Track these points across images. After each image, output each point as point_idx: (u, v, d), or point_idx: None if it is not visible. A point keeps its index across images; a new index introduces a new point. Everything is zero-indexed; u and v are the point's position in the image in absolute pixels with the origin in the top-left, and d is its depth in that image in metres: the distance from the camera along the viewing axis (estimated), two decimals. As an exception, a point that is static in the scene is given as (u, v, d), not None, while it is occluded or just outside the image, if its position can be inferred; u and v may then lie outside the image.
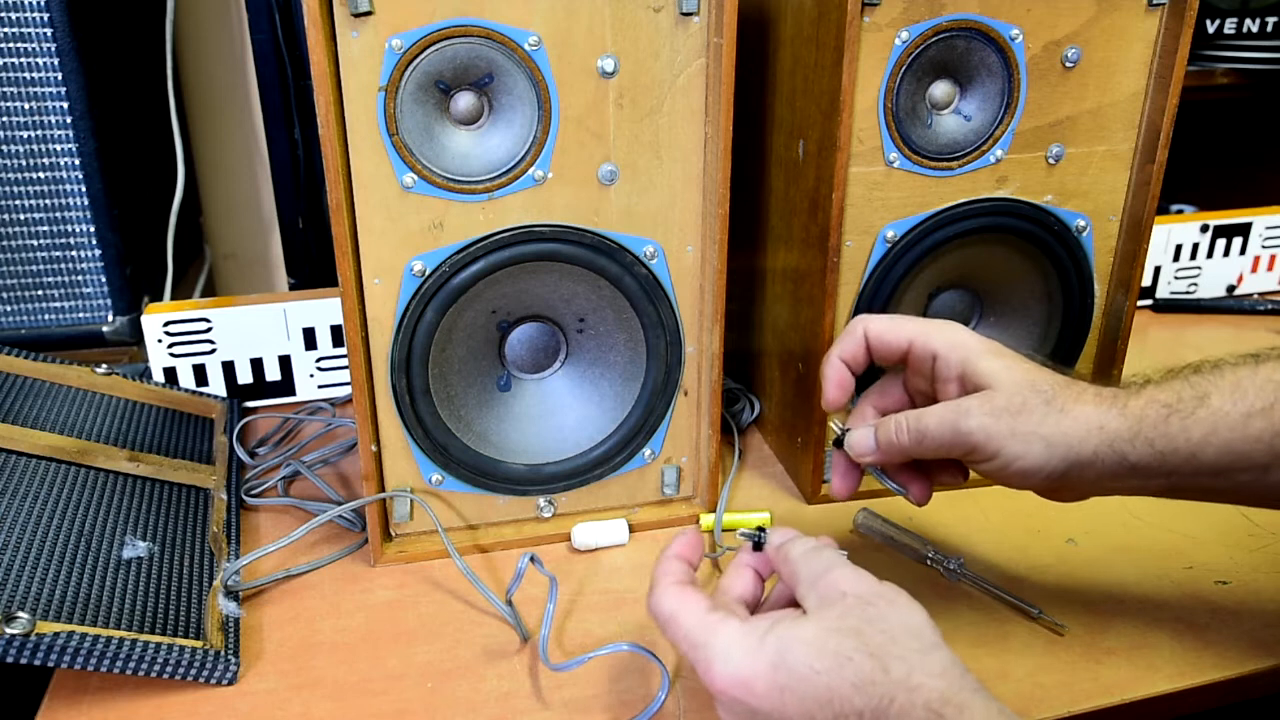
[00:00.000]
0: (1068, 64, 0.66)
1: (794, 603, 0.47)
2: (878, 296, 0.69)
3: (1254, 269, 1.15)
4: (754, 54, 0.74)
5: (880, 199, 0.67)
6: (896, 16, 0.62)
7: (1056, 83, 0.67)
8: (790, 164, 0.71)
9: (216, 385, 0.87)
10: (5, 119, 0.81)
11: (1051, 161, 0.69)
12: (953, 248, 0.70)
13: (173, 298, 0.98)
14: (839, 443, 0.58)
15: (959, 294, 0.74)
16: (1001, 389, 0.52)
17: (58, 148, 0.82)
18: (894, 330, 0.57)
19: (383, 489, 0.66)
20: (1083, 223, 0.71)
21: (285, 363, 0.88)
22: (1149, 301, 1.13)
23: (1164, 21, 0.67)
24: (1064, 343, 0.74)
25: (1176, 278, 1.13)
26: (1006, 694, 0.55)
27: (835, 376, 0.58)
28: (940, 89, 0.67)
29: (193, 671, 0.55)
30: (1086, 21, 0.66)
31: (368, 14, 0.55)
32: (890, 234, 0.68)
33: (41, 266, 0.86)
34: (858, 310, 0.69)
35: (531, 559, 0.60)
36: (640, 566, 0.66)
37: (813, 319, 0.70)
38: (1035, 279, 0.73)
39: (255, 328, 0.86)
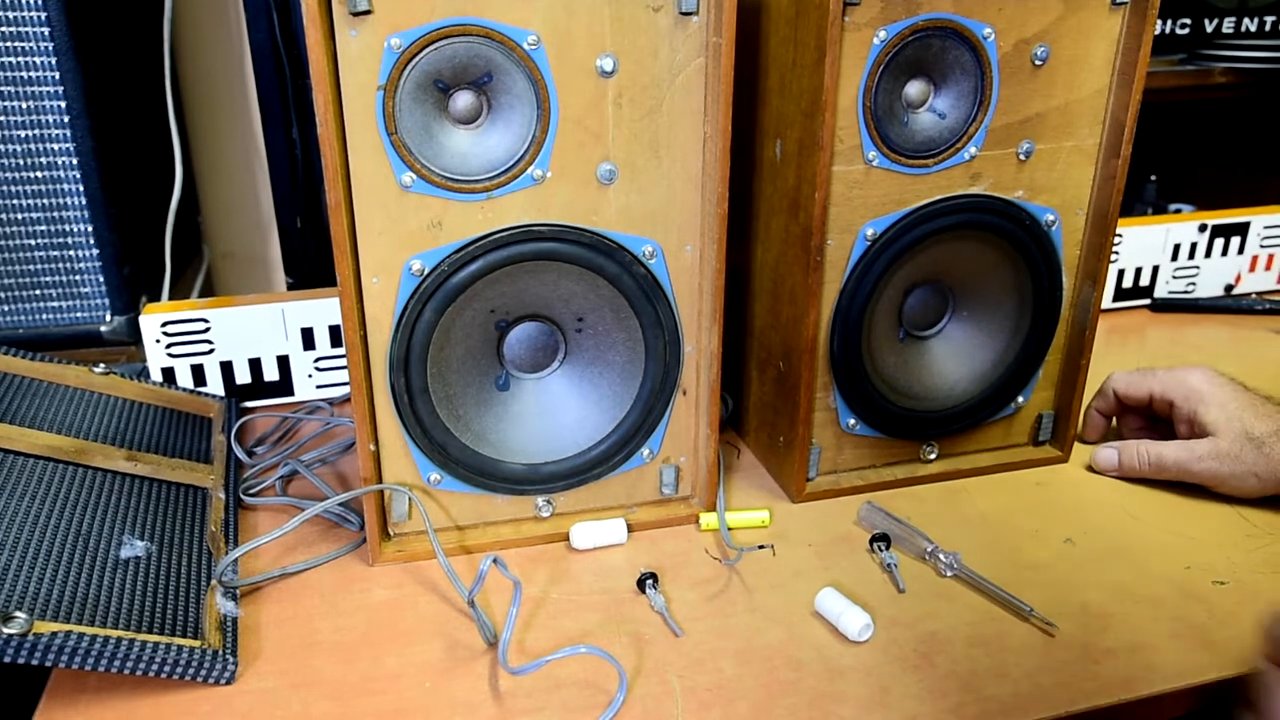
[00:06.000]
0: (1037, 62, 0.67)
1: None
2: (858, 294, 0.69)
3: (1252, 268, 1.15)
4: (739, 54, 0.74)
5: (860, 197, 0.67)
6: (874, 16, 0.63)
7: (1026, 80, 0.68)
8: (769, 164, 0.72)
9: (215, 385, 0.87)
10: (3, 118, 0.81)
11: (1022, 157, 0.70)
12: (929, 244, 0.70)
13: (171, 297, 0.98)
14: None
15: (933, 289, 0.75)
16: (1223, 436, 0.71)
17: (55, 147, 0.82)
18: (1137, 385, 0.78)
19: (381, 488, 0.66)
20: (1052, 217, 0.72)
21: (283, 363, 0.88)
22: (1147, 301, 1.13)
23: (1126, 20, 0.68)
24: (1034, 334, 0.75)
25: (1174, 277, 1.13)
26: (1004, 693, 0.55)
27: (1095, 423, 0.82)
28: (915, 88, 0.67)
29: (191, 671, 0.55)
30: (1054, 20, 0.67)
31: (366, 13, 0.55)
32: (870, 232, 0.68)
33: (39, 266, 0.86)
34: (839, 309, 0.70)
35: (494, 561, 0.60)
36: (639, 566, 0.66)
37: (795, 318, 0.70)
38: (1007, 273, 0.74)
39: (253, 328, 0.86)
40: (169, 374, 0.85)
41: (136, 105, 0.95)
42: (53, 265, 0.86)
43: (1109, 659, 0.58)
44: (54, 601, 0.54)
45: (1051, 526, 0.71)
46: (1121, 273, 1.11)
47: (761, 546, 0.68)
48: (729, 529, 0.70)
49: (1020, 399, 0.78)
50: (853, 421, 0.74)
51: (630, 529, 0.70)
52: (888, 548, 0.67)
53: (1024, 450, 0.80)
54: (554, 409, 0.69)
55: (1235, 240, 1.13)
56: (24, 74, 0.80)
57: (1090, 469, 0.78)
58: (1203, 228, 1.12)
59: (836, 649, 0.59)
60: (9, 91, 0.80)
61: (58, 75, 0.80)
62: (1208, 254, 1.13)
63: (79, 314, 0.88)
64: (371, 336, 0.62)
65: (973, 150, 0.68)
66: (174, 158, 0.99)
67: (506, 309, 0.66)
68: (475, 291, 0.63)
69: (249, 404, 0.88)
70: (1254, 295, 1.16)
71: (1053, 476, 0.78)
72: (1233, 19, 1.28)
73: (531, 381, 0.69)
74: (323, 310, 0.87)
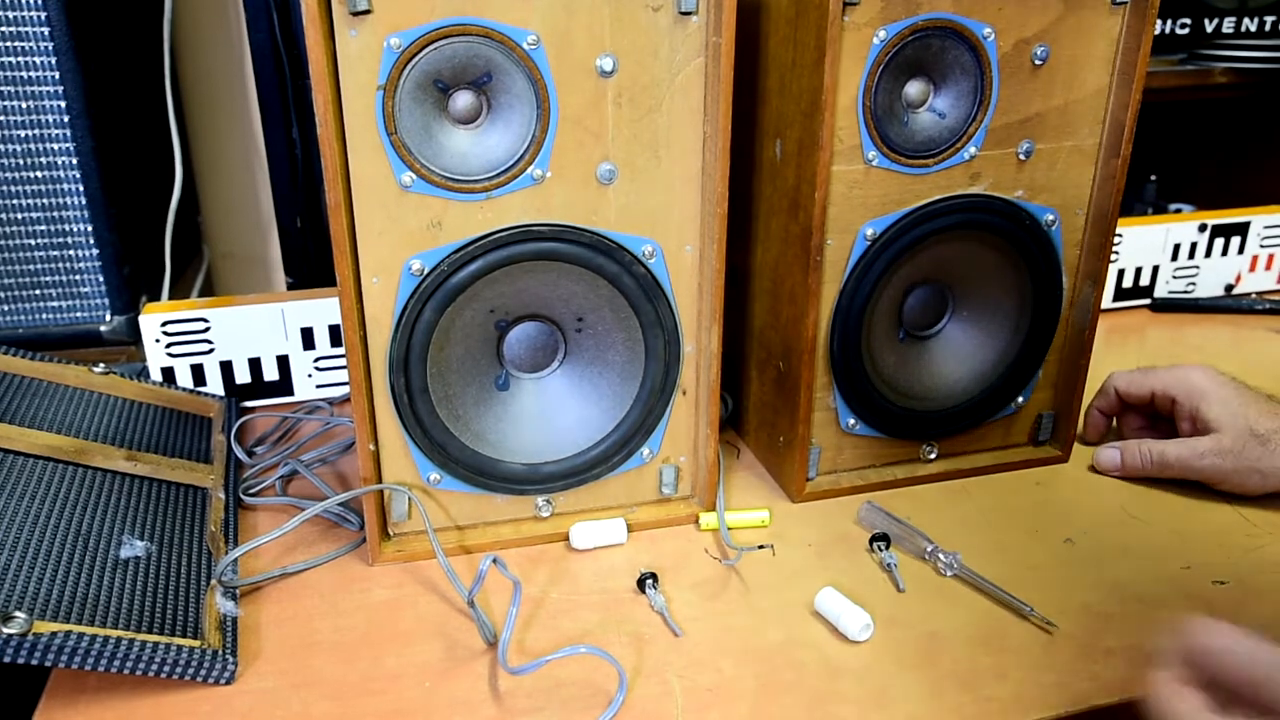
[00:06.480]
0: (1036, 61, 0.67)
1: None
2: (858, 294, 0.69)
3: (1252, 268, 1.15)
4: (739, 54, 0.74)
5: (860, 197, 0.67)
6: (874, 16, 0.63)
7: (1026, 80, 0.68)
8: (768, 164, 0.72)
9: (214, 385, 0.87)
10: (3, 118, 0.81)
11: (1022, 157, 0.70)
12: (929, 244, 0.70)
13: (171, 297, 0.98)
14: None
15: (933, 289, 0.75)
16: (1226, 432, 0.71)
17: (55, 147, 0.82)
18: (1139, 384, 0.78)
19: (381, 488, 0.66)
20: (1052, 217, 0.73)
21: (283, 363, 0.88)
22: (1147, 301, 1.13)
23: (1126, 20, 0.68)
24: (1034, 334, 0.75)
25: (1175, 277, 1.13)
26: (1004, 693, 0.55)
27: (1096, 422, 0.81)
28: (915, 87, 0.67)
29: (190, 671, 0.55)
30: (1054, 20, 0.67)
31: (366, 13, 0.55)
32: (870, 232, 0.68)
33: (39, 266, 0.86)
34: (839, 309, 0.70)
35: (494, 561, 0.60)
36: (639, 566, 0.66)
37: (795, 318, 0.70)
38: (1007, 273, 0.74)
39: (253, 327, 0.86)
40: (169, 374, 0.85)
41: (136, 105, 0.95)
42: (53, 265, 0.86)
43: (1109, 659, 0.58)
44: (54, 601, 0.54)
45: (1051, 526, 0.71)
46: (1121, 273, 1.11)
47: (761, 546, 0.68)
48: (729, 529, 0.70)
49: (1020, 399, 0.78)
50: (853, 421, 0.74)
51: (630, 529, 0.70)
52: (887, 547, 0.67)
53: (1024, 450, 0.80)
54: (554, 409, 0.69)
55: (1235, 240, 1.13)
56: (24, 74, 0.80)
57: (1093, 469, 0.78)
58: (1203, 228, 1.11)
59: (836, 649, 0.59)
60: (9, 91, 0.80)
61: (58, 75, 0.80)
62: (1208, 254, 1.13)
63: (79, 314, 0.88)
64: (371, 336, 0.62)
65: (972, 150, 0.68)
66: (174, 157, 0.99)
67: (506, 309, 0.66)
68: (475, 291, 0.63)
69: (249, 404, 0.88)
70: (1254, 295, 1.16)
71: (1053, 476, 0.78)
72: (1233, 19, 1.28)
73: (531, 381, 0.69)
74: (323, 310, 0.87)
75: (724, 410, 0.84)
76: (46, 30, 0.79)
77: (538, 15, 0.58)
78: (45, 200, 0.84)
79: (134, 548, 0.62)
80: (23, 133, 0.81)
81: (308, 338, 0.87)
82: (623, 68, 0.60)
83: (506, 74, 0.59)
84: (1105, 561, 0.67)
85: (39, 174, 0.83)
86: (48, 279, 0.87)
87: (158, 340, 0.84)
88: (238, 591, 0.63)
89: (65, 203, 0.84)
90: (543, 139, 0.60)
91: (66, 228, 0.85)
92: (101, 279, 0.87)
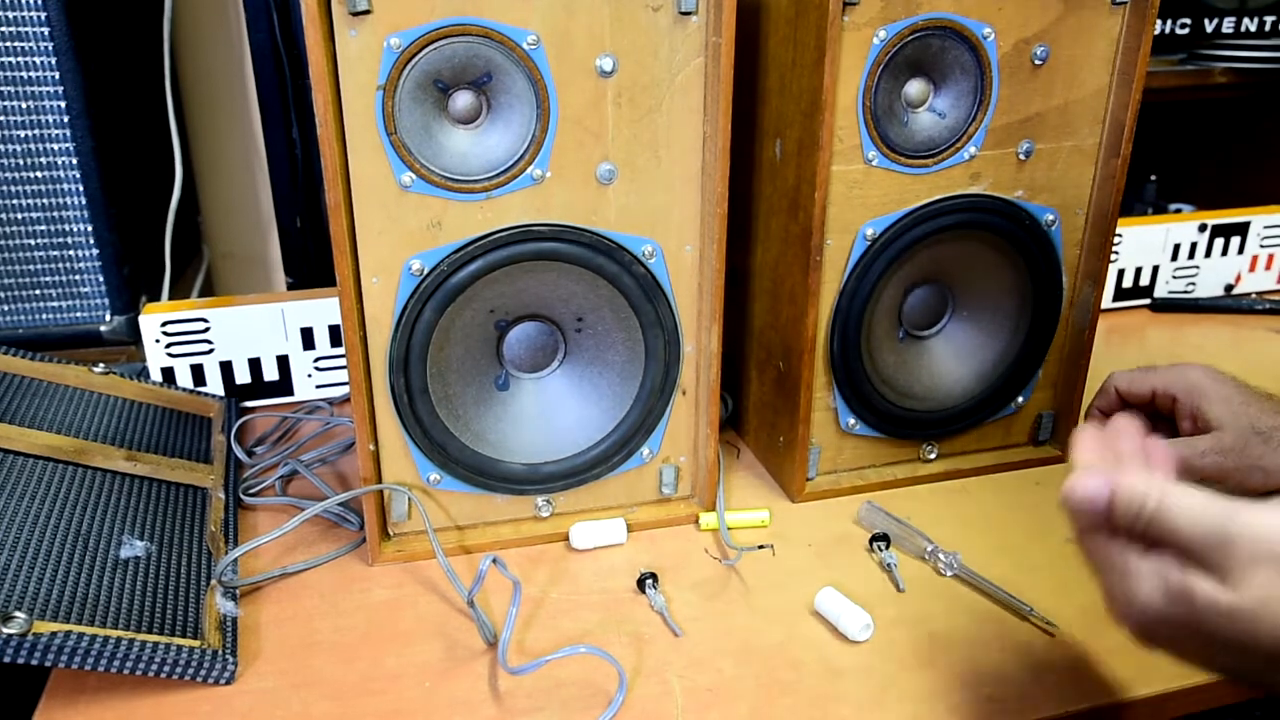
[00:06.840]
0: (1036, 61, 0.67)
1: None
2: (858, 294, 0.69)
3: (1252, 268, 1.15)
4: (739, 54, 0.74)
5: (859, 197, 0.67)
6: (874, 16, 0.63)
7: (1026, 80, 0.68)
8: (768, 164, 0.72)
9: (214, 385, 0.87)
10: (3, 118, 0.81)
11: (1022, 157, 0.70)
12: (928, 244, 0.70)
13: (170, 297, 0.98)
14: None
15: (933, 289, 0.75)
16: (1228, 430, 0.68)
17: (55, 147, 0.82)
18: (1139, 383, 0.73)
19: (381, 488, 0.66)
20: (1052, 217, 0.73)
21: (283, 363, 0.88)
22: (1147, 301, 1.13)
23: (1126, 20, 0.69)
24: (1034, 334, 0.75)
25: (1174, 277, 1.13)
26: (1004, 693, 0.55)
27: (1096, 422, 0.75)
28: (915, 87, 0.67)
29: (190, 671, 0.55)
30: (1054, 20, 0.67)
31: (366, 13, 0.55)
32: (870, 231, 0.68)
33: (39, 266, 0.86)
34: (839, 309, 0.70)
35: (494, 561, 0.60)
36: (638, 566, 0.66)
37: (795, 317, 0.70)
38: (1007, 273, 0.74)
39: (253, 328, 0.86)
40: (169, 374, 0.85)
41: (136, 105, 0.95)
42: (53, 265, 0.86)
43: (1109, 659, 0.58)
44: (54, 601, 0.54)
45: (1051, 526, 0.71)
46: (1121, 273, 1.11)
47: (761, 546, 0.68)
48: (729, 529, 0.70)
49: (1020, 399, 0.78)
50: (852, 421, 0.74)
51: (630, 529, 0.70)
52: (887, 547, 0.67)
53: (1024, 450, 0.80)
54: (553, 409, 0.69)
55: (1235, 240, 1.13)
56: (24, 74, 0.80)
57: None
58: (1203, 228, 1.11)
59: (836, 649, 0.59)
60: (9, 91, 0.80)
61: (58, 75, 0.80)
62: (1208, 254, 1.13)
63: (79, 314, 0.88)
64: (371, 336, 0.62)
65: (972, 150, 0.68)
66: (174, 157, 0.99)
67: (506, 309, 0.66)
68: (475, 291, 0.63)
69: (249, 404, 0.88)
70: (1254, 295, 1.16)
71: (1053, 476, 0.78)
72: (1233, 19, 1.28)
73: (531, 381, 0.69)
74: (322, 310, 0.87)
75: (724, 410, 0.84)
76: (46, 30, 0.79)
77: (538, 15, 0.58)
78: (45, 200, 0.84)
79: (134, 548, 0.62)
80: (23, 133, 0.81)
81: (308, 338, 0.87)
82: (623, 68, 0.60)
83: (506, 74, 0.59)
84: (1105, 561, 0.67)
85: (39, 174, 0.83)
86: (48, 279, 0.86)
87: (158, 340, 0.84)
88: (238, 591, 0.63)
89: (65, 203, 0.84)
90: (542, 139, 0.60)
91: (66, 228, 0.85)
92: (101, 279, 0.87)
